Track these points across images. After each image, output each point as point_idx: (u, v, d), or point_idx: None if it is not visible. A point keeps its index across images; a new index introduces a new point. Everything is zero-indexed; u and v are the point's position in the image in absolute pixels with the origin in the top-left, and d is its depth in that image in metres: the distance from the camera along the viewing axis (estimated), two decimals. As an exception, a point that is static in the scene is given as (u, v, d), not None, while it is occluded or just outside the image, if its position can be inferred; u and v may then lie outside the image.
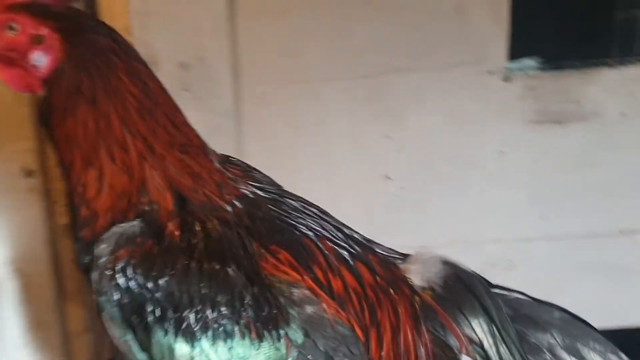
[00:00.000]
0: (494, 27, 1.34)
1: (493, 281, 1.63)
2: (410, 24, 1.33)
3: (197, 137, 0.88)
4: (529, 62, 1.48)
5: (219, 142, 1.39)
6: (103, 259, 0.74)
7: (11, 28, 0.82)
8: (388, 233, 1.52)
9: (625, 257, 1.54)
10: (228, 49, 1.34)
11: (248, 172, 0.94)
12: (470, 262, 1.54)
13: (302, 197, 0.92)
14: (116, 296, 0.73)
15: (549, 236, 1.52)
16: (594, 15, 1.37)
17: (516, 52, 1.37)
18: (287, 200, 0.90)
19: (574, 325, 0.85)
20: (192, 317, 0.73)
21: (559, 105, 1.40)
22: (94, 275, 0.74)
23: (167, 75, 1.34)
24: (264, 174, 0.95)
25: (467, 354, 0.85)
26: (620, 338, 1.01)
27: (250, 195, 0.87)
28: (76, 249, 0.81)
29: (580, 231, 1.50)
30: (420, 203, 1.50)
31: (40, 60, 0.82)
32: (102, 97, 0.81)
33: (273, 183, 0.94)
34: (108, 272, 0.73)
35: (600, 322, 1.54)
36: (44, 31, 0.81)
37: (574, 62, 1.40)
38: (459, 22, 1.33)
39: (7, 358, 1.57)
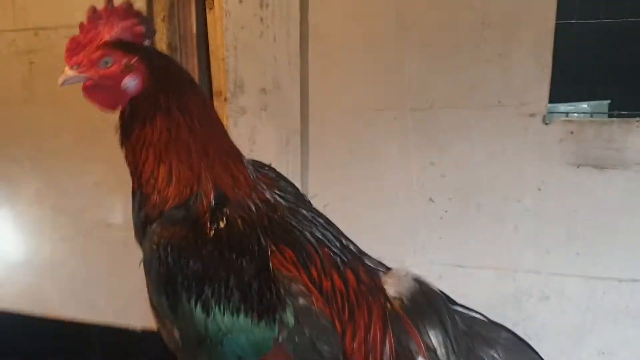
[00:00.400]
0: (537, 72, 1.41)
1: (525, 309, 1.72)
2: (457, 65, 1.46)
3: (236, 147, 1.08)
4: (583, 107, 1.55)
5: (287, 154, 1.68)
6: (151, 236, 0.95)
7: (106, 62, 1.00)
8: (429, 250, 1.69)
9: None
10: (299, 79, 1.59)
11: (275, 181, 1.12)
12: (504, 288, 1.66)
13: (314, 209, 1.12)
14: (156, 265, 0.93)
15: (584, 274, 1.55)
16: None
17: (558, 96, 1.45)
18: (301, 209, 1.08)
19: (516, 345, 0.99)
20: (209, 292, 0.92)
21: (600, 152, 1.43)
22: (145, 246, 0.96)
23: (250, 97, 1.66)
24: (289, 183, 1.15)
25: (423, 358, 1.00)
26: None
27: (272, 201, 1.06)
28: (137, 226, 1.03)
29: (616, 274, 1.52)
30: (460, 226, 1.62)
31: (130, 84, 1.01)
32: (174, 110, 1.00)
33: (294, 193, 1.13)
34: (153, 246, 0.94)
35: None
36: (133, 60, 1.00)
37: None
38: (502, 66, 1.43)
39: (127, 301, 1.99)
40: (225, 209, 1.00)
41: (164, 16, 1.57)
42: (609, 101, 1.67)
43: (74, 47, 1.01)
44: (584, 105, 1.55)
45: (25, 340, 2.21)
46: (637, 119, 1.40)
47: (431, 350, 1.00)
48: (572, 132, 1.44)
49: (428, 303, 1.02)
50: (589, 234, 1.52)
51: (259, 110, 1.65)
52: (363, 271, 1.07)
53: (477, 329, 1.01)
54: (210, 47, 1.67)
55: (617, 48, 1.57)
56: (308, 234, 1.05)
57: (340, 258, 1.05)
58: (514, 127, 1.48)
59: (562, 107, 1.55)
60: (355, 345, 1.00)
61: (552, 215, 1.54)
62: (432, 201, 1.62)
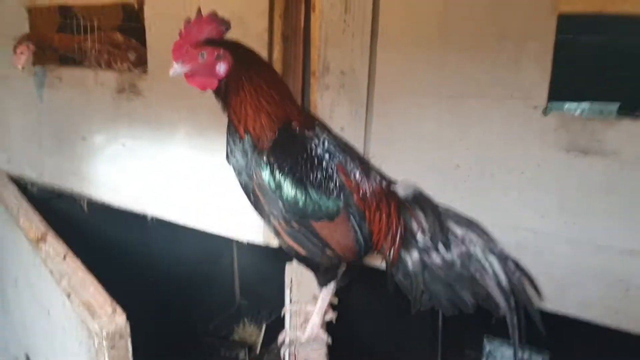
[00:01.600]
0: (540, 74, 1.85)
1: (523, 261, 2.15)
2: (482, 65, 1.93)
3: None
4: (583, 106, 1.98)
5: (356, 122, 2.27)
6: (262, 153, 1.46)
7: (202, 55, 1.36)
8: (455, 205, 2.14)
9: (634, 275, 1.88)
10: (367, 66, 2.13)
11: (314, 117, 1.65)
12: (507, 240, 2.11)
13: (340, 137, 1.63)
14: (267, 164, 1.44)
15: (570, 239, 1.95)
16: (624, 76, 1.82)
17: (555, 94, 1.89)
18: (338, 138, 1.62)
19: (482, 232, 1.57)
20: (306, 181, 1.46)
21: (585, 141, 1.84)
22: (255, 160, 1.47)
23: (332, 77, 2.27)
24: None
25: (422, 233, 1.55)
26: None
27: (321, 128, 1.59)
28: (234, 150, 1.54)
29: (595, 240, 1.90)
30: (479, 189, 2.07)
31: (221, 68, 1.40)
32: (254, 76, 1.42)
33: (324, 125, 1.64)
34: (264, 154, 1.45)
35: (599, 318, 1.92)
36: (221, 51, 1.40)
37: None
38: (515, 68, 1.88)
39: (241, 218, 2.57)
40: (305, 131, 1.53)
41: (281, 13, 2.22)
42: (618, 103, 2.07)
43: (178, 48, 1.38)
44: (584, 105, 1.96)
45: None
46: (615, 117, 1.82)
47: (425, 230, 1.56)
48: (564, 124, 1.89)
49: (424, 201, 1.59)
50: (574, 205, 1.92)
51: (338, 87, 2.21)
52: (383, 179, 1.63)
53: (451, 215, 1.57)
54: (311, 38, 2.29)
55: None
56: (348, 153, 1.60)
57: (370, 171, 1.62)
58: (522, 116, 1.92)
59: (567, 104, 1.97)
60: (380, 226, 1.56)
61: (547, 188, 1.95)
62: (459, 167, 2.11)
